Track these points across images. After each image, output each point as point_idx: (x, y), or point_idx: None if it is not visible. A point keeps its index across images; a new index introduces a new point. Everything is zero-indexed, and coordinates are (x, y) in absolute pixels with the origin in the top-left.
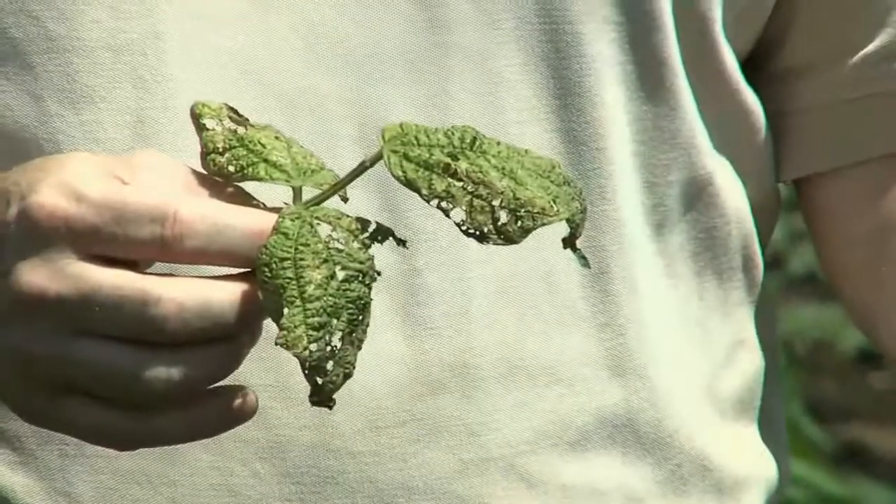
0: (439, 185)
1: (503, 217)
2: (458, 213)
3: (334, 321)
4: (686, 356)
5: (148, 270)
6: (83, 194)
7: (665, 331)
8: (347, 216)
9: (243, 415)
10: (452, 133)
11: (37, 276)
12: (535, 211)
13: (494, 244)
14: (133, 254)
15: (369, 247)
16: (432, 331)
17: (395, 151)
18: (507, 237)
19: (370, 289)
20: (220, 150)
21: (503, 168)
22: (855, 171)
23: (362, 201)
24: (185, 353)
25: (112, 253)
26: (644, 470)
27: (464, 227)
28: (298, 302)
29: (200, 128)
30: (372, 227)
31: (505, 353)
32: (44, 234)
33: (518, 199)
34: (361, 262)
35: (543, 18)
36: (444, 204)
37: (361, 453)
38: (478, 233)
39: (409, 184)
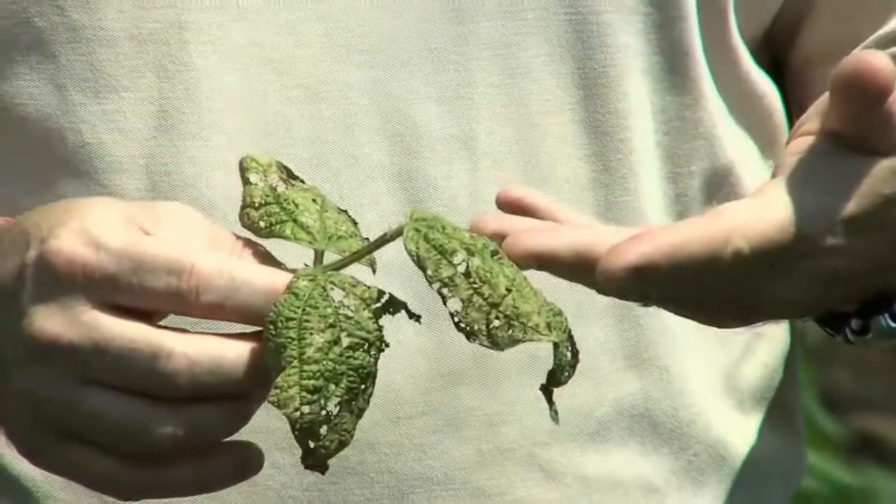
0: (446, 270)
1: (496, 322)
2: (455, 304)
3: (332, 386)
4: (704, 347)
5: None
6: (102, 243)
7: (683, 322)
8: (363, 285)
9: (249, 471)
10: (477, 238)
11: (51, 322)
12: (530, 325)
13: (480, 344)
14: (149, 305)
15: (380, 317)
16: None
17: (416, 230)
18: (494, 342)
19: (376, 359)
20: (256, 205)
21: (513, 280)
22: None
23: (386, 192)
24: (193, 408)
25: (128, 303)
26: (661, 460)
27: (456, 319)
28: (296, 363)
29: (245, 181)
30: (385, 298)
31: (525, 344)
32: (61, 280)
33: (517, 308)
34: (368, 332)
35: (568, 8)
36: (444, 290)
37: (380, 444)
38: (468, 328)
39: (419, 261)
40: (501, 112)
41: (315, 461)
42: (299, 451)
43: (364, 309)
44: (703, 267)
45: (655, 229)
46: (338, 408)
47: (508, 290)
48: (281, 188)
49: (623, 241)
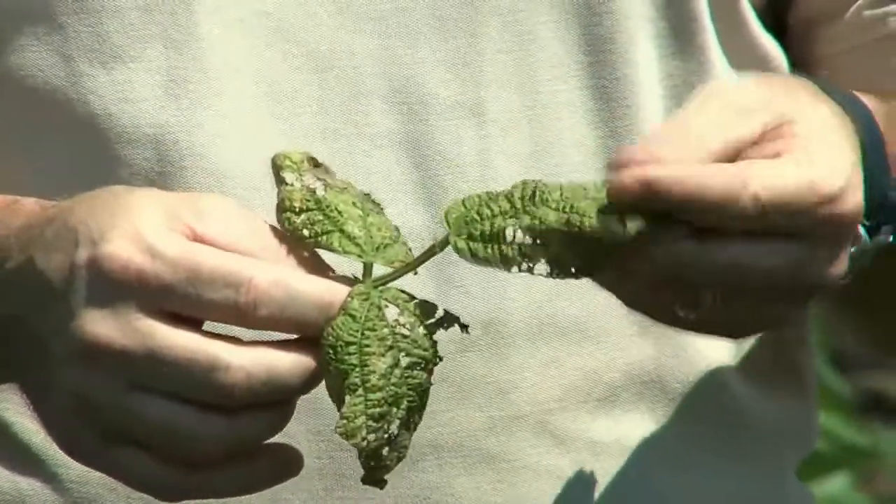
0: (510, 252)
1: (580, 251)
2: (542, 268)
3: (394, 410)
4: None
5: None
6: (158, 251)
7: None
8: (415, 299)
9: (289, 472)
10: (513, 194)
11: (104, 327)
12: (606, 234)
13: (583, 277)
14: (204, 316)
15: (434, 333)
16: (462, 289)
17: (460, 235)
18: (588, 270)
19: (431, 374)
20: (297, 210)
21: (563, 208)
22: None
23: (393, 159)
24: (243, 416)
25: (182, 311)
26: (672, 426)
27: (553, 276)
28: (361, 391)
29: (280, 181)
30: (439, 314)
31: (535, 310)
32: (114, 286)
33: (583, 232)
34: (425, 350)
35: None
36: (524, 266)
37: None
38: (563, 275)
39: (484, 262)
40: (509, 79)
41: (374, 479)
42: (311, 420)
43: (419, 326)
44: (718, 205)
45: (672, 160)
46: (398, 429)
47: (565, 220)
48: (319, 191)
49: (638, 154)
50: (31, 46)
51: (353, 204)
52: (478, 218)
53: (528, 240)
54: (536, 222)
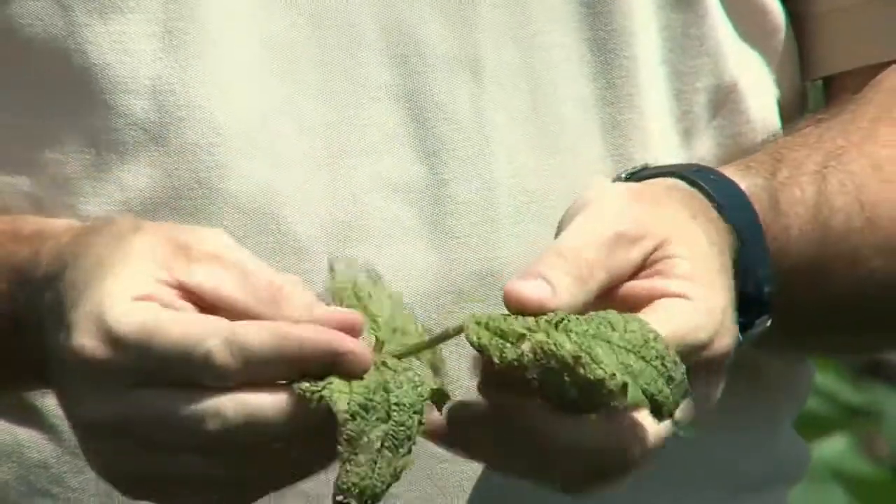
0: (510, 353)
1: (573, 393)
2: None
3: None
4: None
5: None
6: (114, 336)
7: None
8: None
9: None
10: (540, 318)
11: (95, 404)
12: (604, 392)
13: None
14: (178, 383)
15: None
16: (459, 240)
17: (477, 322)
18: (577, 411)
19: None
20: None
21: (581, 344)
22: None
23: (390, 112)
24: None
25: (156, 384)
26: None
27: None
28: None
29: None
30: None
31: (529, 262)
32: (90, 371)
33: (587, 378)
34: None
35: None
36: (515, 372)
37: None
38: (552, 402)
39: (482, 349)
40: (506, 31)
41: None
42: None
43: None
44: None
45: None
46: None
47: (577, 357)
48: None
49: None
50: None
51: (388, 296)
52: (500, 317)
53: (530, 354)
54: (549, 342)
